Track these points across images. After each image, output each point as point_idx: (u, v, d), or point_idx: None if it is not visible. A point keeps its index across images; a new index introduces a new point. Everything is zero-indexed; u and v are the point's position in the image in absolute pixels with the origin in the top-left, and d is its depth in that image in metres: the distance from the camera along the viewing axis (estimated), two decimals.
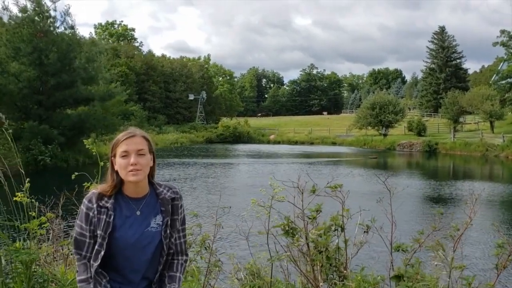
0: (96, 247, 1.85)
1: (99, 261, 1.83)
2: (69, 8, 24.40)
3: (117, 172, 1.92)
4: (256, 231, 3.65)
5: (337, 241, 3.36)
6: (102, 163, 3.40)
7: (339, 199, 3.31)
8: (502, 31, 45.47)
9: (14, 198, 3.24)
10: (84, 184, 3.41)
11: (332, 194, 3.37)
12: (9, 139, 3.45)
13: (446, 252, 3.13)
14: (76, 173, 3.43)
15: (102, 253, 1.84)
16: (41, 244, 3.60)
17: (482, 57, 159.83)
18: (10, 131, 3.47)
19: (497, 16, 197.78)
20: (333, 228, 3.26)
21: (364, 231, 3.28)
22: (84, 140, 3.83)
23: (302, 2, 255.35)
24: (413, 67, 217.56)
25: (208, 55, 79.63)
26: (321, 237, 3.21)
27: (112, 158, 1.94)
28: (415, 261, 2.99)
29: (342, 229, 3.24)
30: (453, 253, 3.09)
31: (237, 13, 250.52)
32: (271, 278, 3.37)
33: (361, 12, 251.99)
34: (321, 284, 3.26)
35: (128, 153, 1.88)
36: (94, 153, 3.52)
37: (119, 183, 1.94)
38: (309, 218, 3.24)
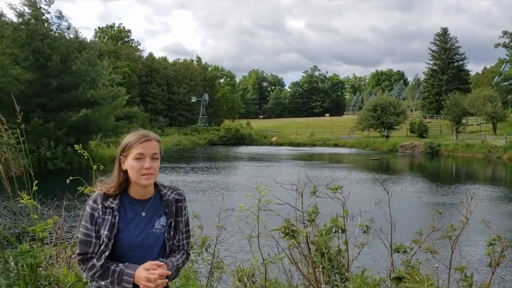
0: (101, 247, 1.84)
1: (103, 260, 1.83)
2: (60, 12, 24.32)
3: (123, 172, 1.92)
4: (258, 233, 3.66)
5: (338, 243, 3.36)
6: (95, 167, 3.45)
7: (340, 201, 3.32)
8: (504, 33, 45.51)
9: (21, 201, 3.26)
10: (78, 188, 3.44)
11: (333, 196, 3.38)
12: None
13: (444, 252, 3.13)
14: (71, 177, 3.46)
15: (107, 253, 1.83)
16: (42, 246, 3.62)
17: (476, 59, 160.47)
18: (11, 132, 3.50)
19: (489, 18, 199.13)
20: (333, 230, 3.26)
21: (364, 231, 3.29)
22: (75, 146, 3.88)
23: (294, 4, 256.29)
24: (410, 69, 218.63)
25: (197, 56, 79.47)
26: (320, 238, 3.22)
27: (121, 157, 1.94)
28: (415, 262, 2.99)
29: (343, 231, 3.25)
30: (452, 253, 3.10)
31: (230, 16, 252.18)
32: (265, 281, 3.38)
33: (354, 14, 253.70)
34: (323, 286, 3.26)
35: (144, 156, 1.88)
36: (86, 157, 3.55)
37: (125, 183, 1.94)
38: (308, 221, 3.25)
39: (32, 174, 3.36)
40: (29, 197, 3.24)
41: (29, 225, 3.19)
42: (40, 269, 3.17)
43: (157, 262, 1.86)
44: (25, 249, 2.98)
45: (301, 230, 3.25)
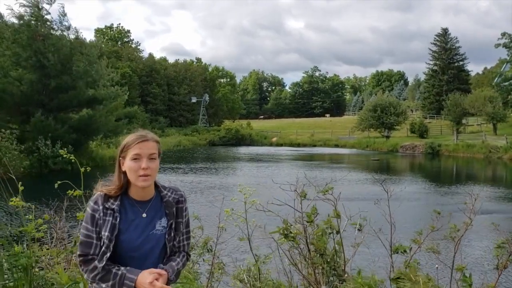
0: (103, 248, 1.84)
1: (104, 262, 1.83)
2: (63, 8, 24.07)
3: (124, 174, 1.92)
4: (259, 234, 3.66)
5: (334, 243, 3.36)
6: (83, 169, 3.46)
7: (331, 202, 3.31)
8: (503, 34, 45.69)
9: (10, 203, 3.28)
10: (67, 192, 3.45)
11: (328, 198, 3.38)
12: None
13: (446, 253, 3.13)
14: (59, 182, 3.49)
15: (108, 255, 1.84)
16: (42, 247, 3.63)
17: (476, 59, 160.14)
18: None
19: (489, 18, 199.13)
20: (328, 231, 3.26)
21: (357, 229, 3.29)
22: (60, 151, 3.90)
23: (294, 5, 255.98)
24: (410, 69, 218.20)
25: (197, 58, 79.03)
26: (319, 240, 3.22)
27: (121, 159, 1.94)
28: (415, 262, 2.99)
29: (337, 232, 3.25)
30: (454, 254, 3.09)
31: (229, 16, 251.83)
32: (259, 282, 3.38)
33: (353, 14, 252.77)
34: (323, 287, 3.27)
35: (140, 157, 1.88)
36: (73, 160, 3.56)
37: (126, 185, 1.94)
38: (307, 222, 3.25)
39: (14, 176, 3.39)
40: (17, 198, 3.25)
41: (27, 226, 3.20)
42: (37, 269, 3.19)
43: (158, 270, 1.87)
44: (18, 251, 2.98)
45: (300, 231, 3.25)
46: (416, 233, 3.16)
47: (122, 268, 1.85)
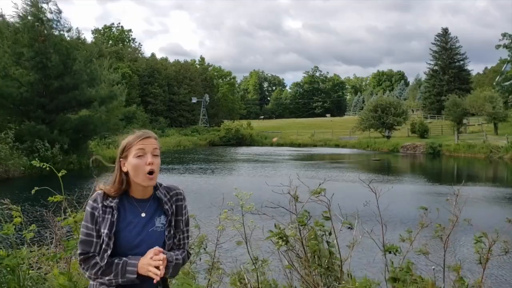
0: (103, 246, 1.85)
1: (105, 260, 1.84)
2: (56, 5, 23.48)
3: (125, 174, 1.93)
4: (259, 234, 3.66)
5: (328, 246, 3.36)
6: (62, 173, 3.49)
7: (325, 204, 3.31)
8: (504, 35, 45.84)
9: None
10: (49, 199, 3.48)
11: (321, 199, 3.37)
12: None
13: (439, 251, 3.12)
14: (36, 188, 3.50)
15: (109, 252, 1.85)
16: (41, 248, 3.64)
17: (475, 59, 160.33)
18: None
19: (487, 18, 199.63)
20: (319, 233, 3.25)
21: (349, 227, 3.28)
22: (34, 161, 3.93)
23: (291, 5, 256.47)
24: (409, 69, 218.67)
25: (201, 56, 79.02)
26: (311, 242, 3.22)
27: (121, 159, 1.94)
28: (408, 262, 2.98)
29: (330, 234, 3.24)
30: (444, 252, 3.09)
31: (227, 17, 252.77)
32: (258, 285, 3.38)
33: (351, 14, 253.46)
34: None
35: (145, 152, 1.90)
36: (47, 168, 3.58)
37: (126, 186, 1.94)
38: (301, 225, 3.24)
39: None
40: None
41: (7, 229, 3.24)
42: (32, 271, 3.19)
43: (158, 249, 1.87)
44: (5, 254, 3.01)
45: (294, 233, 3.24)
46: (406, 231, 3.16)
47: (124, 258, 1.86)
